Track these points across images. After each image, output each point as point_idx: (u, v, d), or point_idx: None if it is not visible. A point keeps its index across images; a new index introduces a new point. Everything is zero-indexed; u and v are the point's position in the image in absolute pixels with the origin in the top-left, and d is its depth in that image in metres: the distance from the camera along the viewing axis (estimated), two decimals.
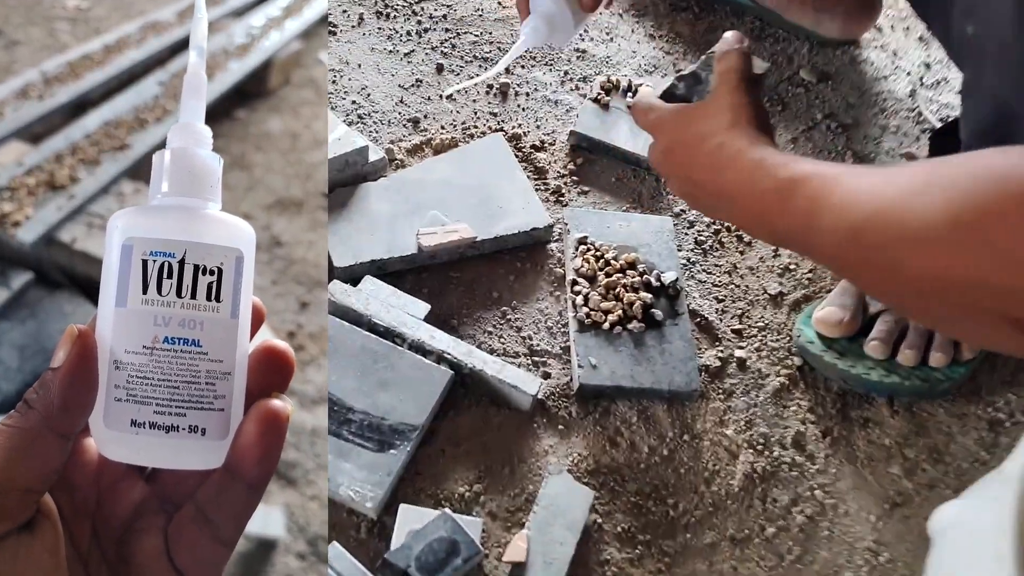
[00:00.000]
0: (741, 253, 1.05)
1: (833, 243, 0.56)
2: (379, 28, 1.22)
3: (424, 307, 0.91)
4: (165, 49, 1.41)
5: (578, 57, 1.23)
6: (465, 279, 0.98)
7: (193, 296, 0.33)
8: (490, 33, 1.24)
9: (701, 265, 1.04)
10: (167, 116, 1.23)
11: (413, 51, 1.20)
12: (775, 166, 0.62)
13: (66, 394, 0.31)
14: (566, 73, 1.21)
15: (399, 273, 0.97)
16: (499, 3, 1.28)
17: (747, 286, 1.02)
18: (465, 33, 1.23)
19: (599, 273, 0.97)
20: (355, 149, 0.99)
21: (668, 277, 0.97)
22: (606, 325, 0.93)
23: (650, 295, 0.95)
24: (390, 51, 1.20)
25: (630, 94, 1.15)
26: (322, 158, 1.23)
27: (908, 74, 1.28)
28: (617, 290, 0.95)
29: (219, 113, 1.34)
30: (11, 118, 1.11)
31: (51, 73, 1.23)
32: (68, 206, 0.96)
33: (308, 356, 0.99)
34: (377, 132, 1.10)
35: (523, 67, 1.20)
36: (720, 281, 1.02)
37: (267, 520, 0.78)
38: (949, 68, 1.29)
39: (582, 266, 0.97)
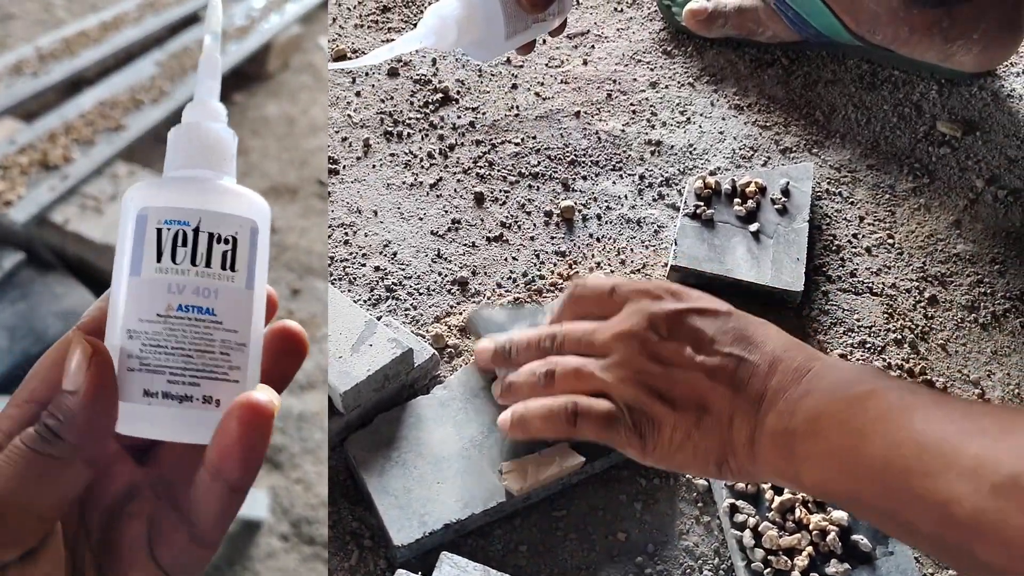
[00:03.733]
0: None
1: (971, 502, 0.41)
2: (392, 155, 0.94)
3: None
4: (163, 28, 1.40)
5: (652, 152, 0.95)
6: (575, 519, 0.70)
7: (208, 264, 0.32)
8: (534, 138, 0.96)
9: None
10: (163, 96, 1.20)
11: (441, 179, 0.92)
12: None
13: (92, 420, 0.29)
14: (642, 177, 0.92)
15: (484, 530, 0.69)
16: (536, 95, 1.00)
17: None
18: (503, 143, 0.95)
19: (764, 487, 0.68)
20: (396, 358, 0.71)
21: None
22: (795, 575, 0.64)
23: (844, 512, 0.67)
24: (411, 184, 0.91)
25: (737, 200, 0.86)
26: (318, 145, 1.23)
27: None
28: (796, 513, 0.67)
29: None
30: (4, 94, 1.10)
31: (46, 49, 1.22)
32: (61, 186, 0.95)
33: None
34: (415, 309, 0.82)
35: (584, 177, 0.92)
36: None
37: (252, 502, 0.77)
38: None
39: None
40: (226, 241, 0.32)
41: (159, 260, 0.32)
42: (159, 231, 0.32)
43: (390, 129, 0.96)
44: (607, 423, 0.54)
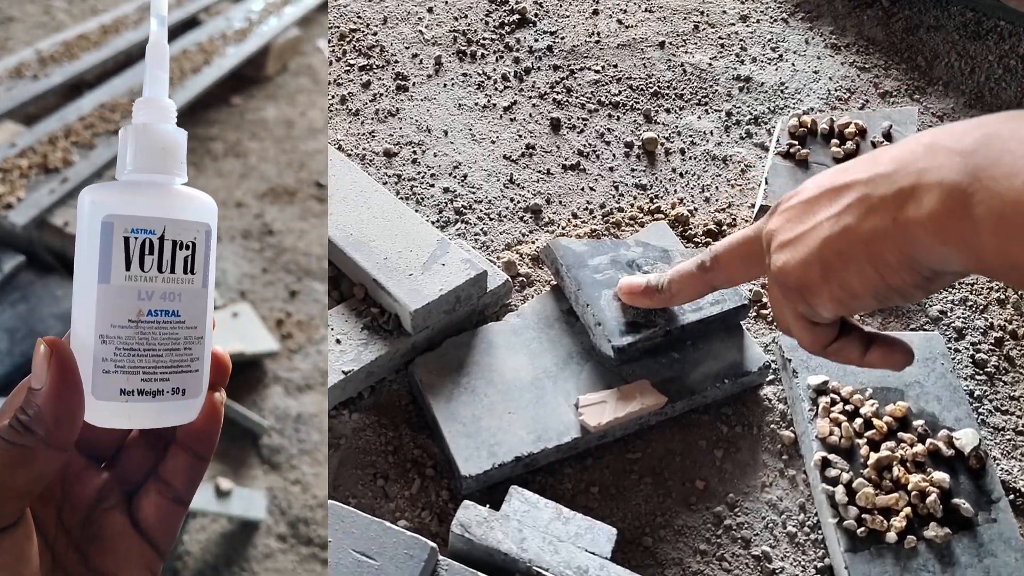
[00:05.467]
0: None
1: None
2: (464, 74, 0.89)
3: (608, 534, 0.58)
4: None
5: (740, 89, 0.89)
6: (650, 462, 0.65)
7: (172, 271, 0.34)
8: (615, 66, 0.90)
9: (990, 400, 0.70)
10: None
11: (515, 102, 0.87)
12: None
13: (57, 411, 0.32)
14: (729, 114, 0.87)
15: (553, 467, 0.64)
16: (619, 22, 0.94)
17: None
18: (582, 69, 0.90)
19: (859, 442, 0.64)
20: (470, 279, 0.66)
21: (965, 438, 0.63)
22: (891, 535, 0.59)
23: (945, 474, 0.62)
24: (484, 106, 0.86)
25: (835, 141, 0.80)
26: (317, 147, 1.23)
27: None
28: (894, 471, 0.62)
29: (215, 99, 1.30)
30: (4, 97, 1.10)
31: (46, 52, 1.21)
32: (61, 189, 0.94)
33: (295, 344, 0.92)
34: (485, 234, 0.77)
35: (667, 110, 0.86)
36: None
37: (250, 503, 0.78)
38: None
39: (831, 433, 0.64)
40: (186, 247, 0.34)
41: (128, 268, 0.34)
42: (127, 240, 0.34)
43: (463, 48, 0.91)
44: (746, 232, 0.54)
